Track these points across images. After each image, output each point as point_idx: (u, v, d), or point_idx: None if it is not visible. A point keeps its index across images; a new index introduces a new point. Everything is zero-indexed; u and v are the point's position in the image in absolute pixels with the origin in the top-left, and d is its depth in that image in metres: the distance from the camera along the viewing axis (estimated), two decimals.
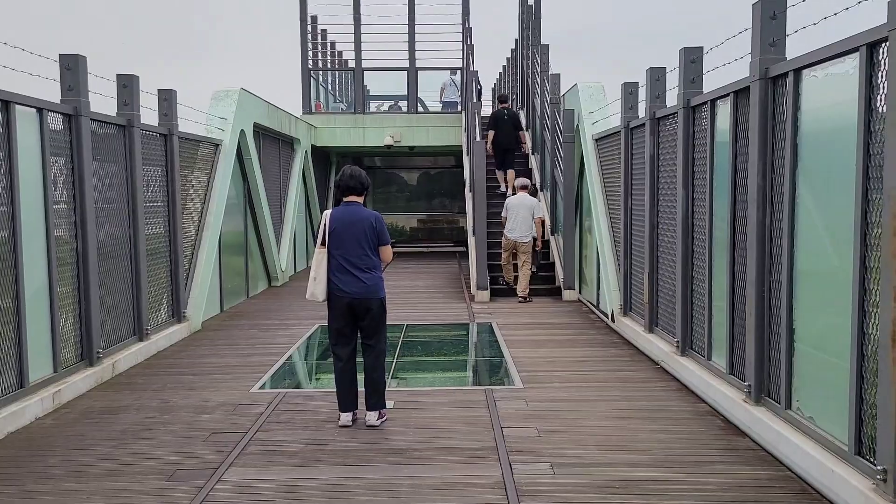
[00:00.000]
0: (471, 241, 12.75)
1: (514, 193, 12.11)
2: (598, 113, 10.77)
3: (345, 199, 5.34)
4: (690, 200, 6.60)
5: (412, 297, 12.15)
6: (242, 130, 11.56)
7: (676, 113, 6.80)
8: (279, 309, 11.02)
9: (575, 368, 7.05)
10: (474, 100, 13.75)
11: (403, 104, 18.81)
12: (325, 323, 9.85)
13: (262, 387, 6.52)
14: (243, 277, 12.24)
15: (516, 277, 11.67)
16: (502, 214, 11.60)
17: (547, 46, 14.29)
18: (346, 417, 5.38)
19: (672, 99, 7.37)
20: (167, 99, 8.75)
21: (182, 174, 9.31)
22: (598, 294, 10.76)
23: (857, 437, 3.92)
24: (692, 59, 6.57)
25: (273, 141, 14.21)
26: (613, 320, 9.15)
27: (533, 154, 15.23)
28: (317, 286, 5.30)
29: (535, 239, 11.49)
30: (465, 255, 20.01)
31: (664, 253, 7.45)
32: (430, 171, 24.80)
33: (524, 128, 14.97)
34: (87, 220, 6.58)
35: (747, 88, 5.28)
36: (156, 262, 8.39)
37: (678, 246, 6.74)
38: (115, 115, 7.51)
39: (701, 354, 6.31)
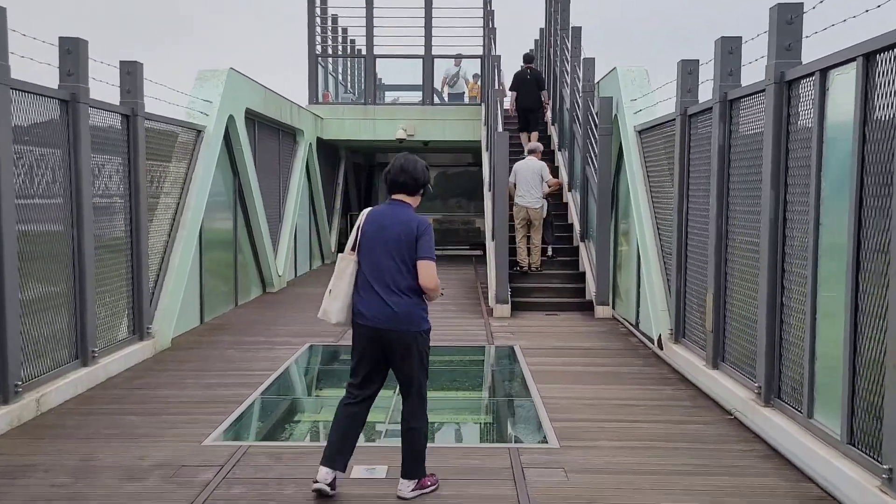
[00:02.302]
0: (489, 246, 11.23)
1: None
2: (642, 101, 9.23)
3: (392, 198, 4.07)
4: (782, 204, 5.05)
5: None
6: (231, 116, 10.13)
7: (763, 91, 5.26)
8: (269, 321, 9.57)
9: (623, 417, 5.52)
10: (496, 86, 12.24)
11: (418, 94, 17.29)
12: (318, 342, 8.52)
13: (221, 436, 5.04)
14: (231, 283, 10.81)
15: (531, 263, 10.96)
16: (510, 180, 10.60)
17: (579, 29, 12.77)
18: (324, 474, 3.93)
19: (750, 76, 5.85)
20: (131, 72, 7.32)
21: (153, 164, 7.88)
22: (639, 312, 9.22)
23: None
24: (788, 19, 5.02)
25: (272, 131, 12.78)
26: (661, 347, 7.60)
27: (560, 150, 13.70)
28: (332, 303, 3.98)
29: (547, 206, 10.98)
30: (482, 259, 18.52)
31: (737, 270, 5.91)
32: (446, 169, 23.33)
33: (546, 88, 14.22)
34: (3, 220, 5.13)
35: (891, 48, 3.74)
36: (112, 267, 6.96)
37: (763, 262, 5.19)
38: (54, 87, 6.07)
39: (796, 408, 4.76)
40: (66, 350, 6.13)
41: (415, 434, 3.99)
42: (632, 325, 9.25)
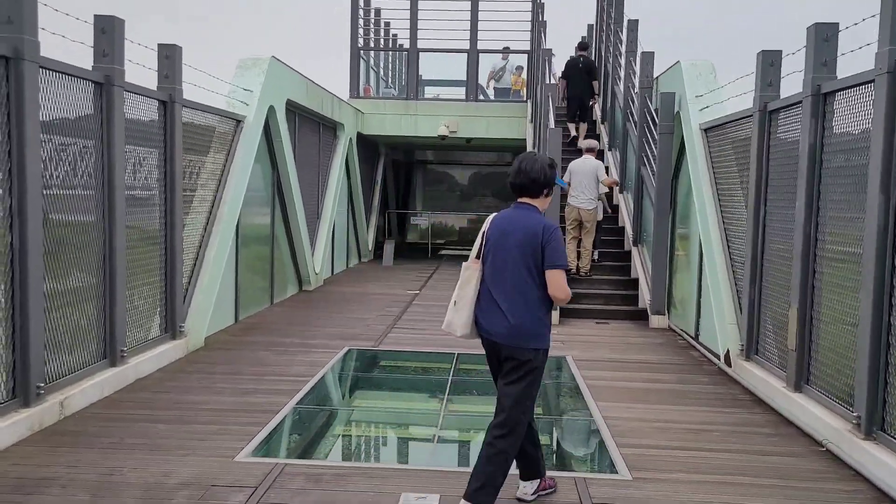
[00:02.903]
0: None
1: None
2: (709, 97, 8.61)
3: (517, 201, 3.81)
4: (892, 210, 4.44)
5: None
6: (272, 107, 9.74)
7: (871, 82, 4.65)
8: (305, 322, 9.16)
9: (698, 444, 4.94)
10: (548, 81, 11.68)
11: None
12: (356, 346, 8.08)
13: (255, 451, 4.59)
14: (267, 281, 10.42)
15: (580, 267, 10.48)
16: (565, 179, 10.13)
17: (636, 22, 12.14)
18: (522, 487, 3.89)
19: (847, 66, 5.23)
20: (169, 56, 6.93)
21: (189, 154, 7.50)
22: (699, 324, 8.59)
23: None
24: None
25: (312, 124, 12.40)
26: (729, 364, 6.98)
27: (611, 150, 13.10)
28: (456, 314, 3.74)
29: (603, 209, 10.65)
30: None
31: (829, 283, 5.29)
32: (486, 168, 22.84)
33: (598, 77, 13.90)
34: (28, 207, 4.75)
35: None
36: (144, 262, 6.58)
37: (867, 275, 4.57)
38: (87, 68, 5.68)
39: None
40: (94, 348, 5.75)
41: (501, 459, 3.56)
42: (691, 336, 8.64)
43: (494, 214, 3.80)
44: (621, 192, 11.99)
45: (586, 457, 4.85)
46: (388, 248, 16.48)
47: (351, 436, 5.31)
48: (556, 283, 3.53)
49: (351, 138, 14.67)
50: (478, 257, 3.72)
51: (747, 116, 6.92)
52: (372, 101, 16.32)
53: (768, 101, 6.47)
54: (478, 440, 5.14)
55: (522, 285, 3.54)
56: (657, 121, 9.56)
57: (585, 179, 10.11)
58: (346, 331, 8.54)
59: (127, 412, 5.29)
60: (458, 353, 7.38)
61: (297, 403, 5.59)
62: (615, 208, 11.98)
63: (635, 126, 10.97)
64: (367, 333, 8.41)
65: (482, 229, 3.77)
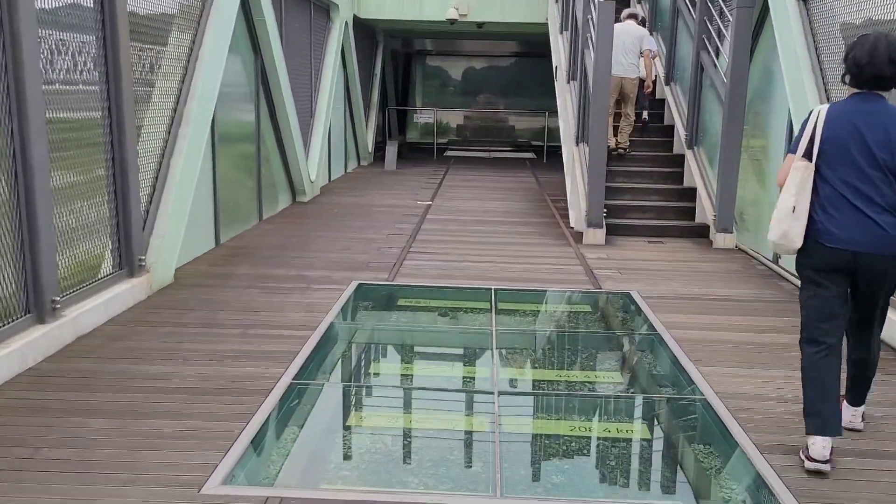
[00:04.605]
0: (576, 153, 8.97)
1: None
2: None
3: (859, 91, 3.15)
4: None
5: (488, 229, 8.60)
6: None
7: None
8: (301, 244, 7.58)
9: (877, 445, 3.46)
10: None
11: None
12: (367, 279, 6.54)
13: (233, 473, 3.07)
14: (254, 192, 8.75)
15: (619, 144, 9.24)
16: None
17: None
18: (820, 448, 3.13)
19: None
20: None
21: (141, 34, 5.68)
22: None
23: None
24: None
25: (300, 3, 10.38)
26: None
27: (652, 34, 11.14)
28: (796, 223, 3.18)
29: (642, 81, 9.20)
30: (537, 163, 16.34)
31: None
32: (499, 59, 20.72)
33: None
34: None
35: None
36: (83, 179, 4.90)
37: None
38: None
39: None
40: (10, 299, 4.16)
41: (869, 364, 3.40)
42: (770, 261, 7.12)
43: (827, 107, 3.21)
44: (668, 83, 10.17)
45: (721, 473, 3.33)
46: (391, 149, 14.73)
47: (381, 433, 3.68)
48: None
49: (346, 22, 12.64)
50: (805, 155, 3.19)
51: None
52: None
53: None
54: (540, 452, 3.62)
55: (887, 188, 3.09)
56: None
57: (628, 43, 8.69)
58: (351, 257, 6.98)
59: (53, 396, 3.75)
60: (496, 289, 5.84)
61: (294, 377, 4.04)
62: (661, 102, 10.22)
63: (691, 2, 9.09)
64: (378, 261, 6.85)
65: (810, 123, 3.19)
